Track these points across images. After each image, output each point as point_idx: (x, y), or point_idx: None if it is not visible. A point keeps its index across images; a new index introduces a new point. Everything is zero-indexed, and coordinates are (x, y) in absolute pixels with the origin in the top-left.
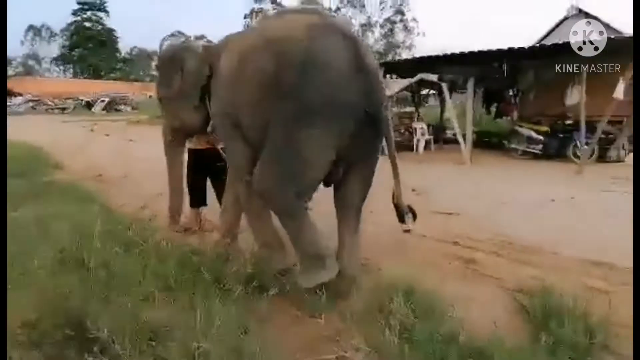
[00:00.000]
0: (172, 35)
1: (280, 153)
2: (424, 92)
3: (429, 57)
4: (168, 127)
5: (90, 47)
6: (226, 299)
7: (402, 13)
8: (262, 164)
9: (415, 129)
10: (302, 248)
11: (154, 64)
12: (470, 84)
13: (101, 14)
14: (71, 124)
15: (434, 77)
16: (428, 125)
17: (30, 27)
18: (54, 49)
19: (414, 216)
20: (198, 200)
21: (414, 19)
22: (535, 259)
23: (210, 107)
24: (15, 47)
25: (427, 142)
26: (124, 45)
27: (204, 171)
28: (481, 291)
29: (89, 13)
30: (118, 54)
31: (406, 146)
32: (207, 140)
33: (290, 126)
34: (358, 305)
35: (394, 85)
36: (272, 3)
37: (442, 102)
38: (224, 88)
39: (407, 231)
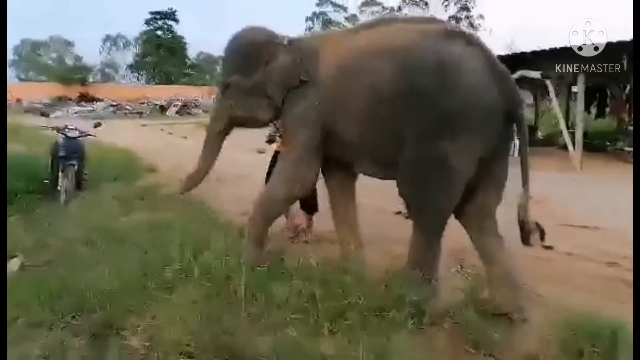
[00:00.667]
0: (243, 31)
1: (432, 171)
2: None
3: (532, 53)
4: (224, 115)
5: (161, 54)
6: (389, 330)
7: (467, 9)
8: (416, 183)
9: None
10: (419, 267)
11: (219, 68)
12: (580, 81)
13: (171, 23)
14: (150, 127)
15: (536, 74)
16: None
17: (107, 37)
18: (128, 57)
19: (542, 236)
20: (309, 206)
21: (481, 16)
22: None
23: (286, 105)
24: (94, 56)
25: None
26: (192, 52)
27: None
28: None
29: (160, 22)
30: (187, 60)
31: None
32: None
33: (438, 139)
34: (546, 345)
35: None
36: (333, 6)
37: (536, 101)
38: (324, 93)
39: (549, 247)
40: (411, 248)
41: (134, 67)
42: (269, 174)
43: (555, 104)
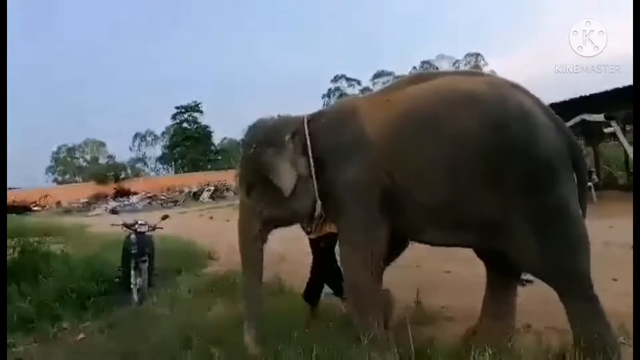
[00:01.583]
0: (255, 125)
1: (557, 220)
2: None
3: (592, 96)
4: (255, 220)
5: (188, 144)
6: None
7: (478, 68)
8: (540, 241)
9: None
10: (598, 336)
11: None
12: None
13: (196, 114)
14: (189, 214)
15: (599, 117)
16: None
17: (137, 135)
18: (157, 150)
19: None
20: None
21: (492, 72)
22: None
23: (326, 181)
24: (125, 154)
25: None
26: (215, 138)
27: None
28: None
29: (185, 115)
30: (213, 147)
31: None
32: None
33: (549, 184)
34: None
35: None
36: (347, 81)
37: (594, 145)
38: (379, 152)
39: None
40: (575, 324)
41: (163, 159)
42: (315, 260)
43: (626, 145)
